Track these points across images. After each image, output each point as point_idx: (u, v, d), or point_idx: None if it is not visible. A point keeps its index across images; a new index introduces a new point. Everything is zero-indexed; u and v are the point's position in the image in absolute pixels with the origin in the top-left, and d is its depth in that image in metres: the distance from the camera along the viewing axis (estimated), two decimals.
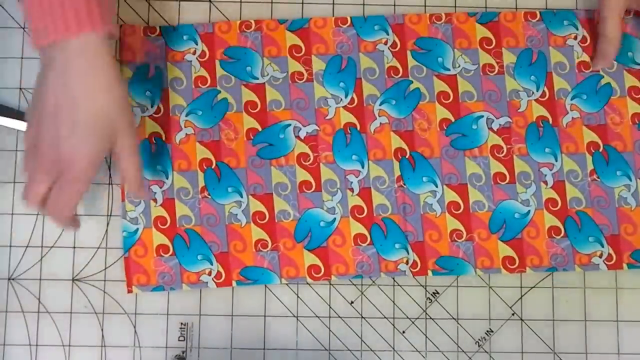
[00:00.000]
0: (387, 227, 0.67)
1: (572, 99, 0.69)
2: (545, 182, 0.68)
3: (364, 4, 0.71)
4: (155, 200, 0.67)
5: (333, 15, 0.71)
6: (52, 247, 0.68)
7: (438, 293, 0.68)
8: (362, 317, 0.67)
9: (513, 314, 0.68)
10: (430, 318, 0.67)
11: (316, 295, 0.68)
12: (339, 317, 0.67)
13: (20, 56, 0.70)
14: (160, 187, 0.67)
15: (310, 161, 0.68)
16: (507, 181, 0.68)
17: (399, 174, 0.68)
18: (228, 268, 0.67)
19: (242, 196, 0.68)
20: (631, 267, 0.67)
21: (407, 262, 0.67)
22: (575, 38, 0.70)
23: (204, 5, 0.71)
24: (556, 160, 0.68)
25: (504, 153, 0.68)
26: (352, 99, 0.69)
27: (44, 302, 0.67)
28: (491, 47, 0.70)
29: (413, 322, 0.67)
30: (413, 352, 0.67)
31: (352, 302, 0.68)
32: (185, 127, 0.68)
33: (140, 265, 0.66)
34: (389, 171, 0.68)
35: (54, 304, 0.67)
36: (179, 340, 0.67)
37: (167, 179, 0.68)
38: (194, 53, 0.69)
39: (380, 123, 0.69)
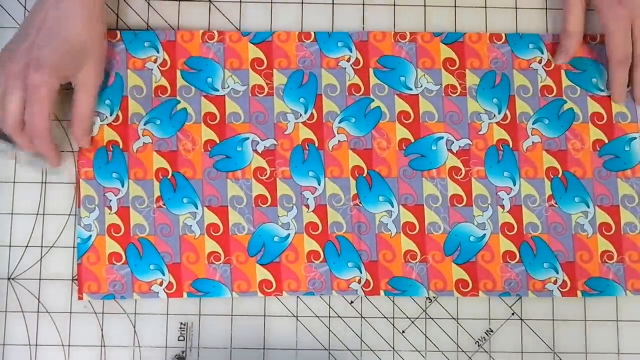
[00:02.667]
0: (341, 245, 0.67)
1: (534, 124, 0.69)
2: (503, 207, 0.68)
3: (363, 4, 0.71)
4: (110, 208, 0.67)
5: (332, 18, 0.71)
6: (52, 247, 0.68)
7: None
8: (362, 317, 0.67)
9: (513, 314, 0.68)
10: (430, 318, 0.67)
11: (316, 295, 0.67)
12: (339, 317, 0.67)
13: None
14: (116, 195, 0.67)
15: (267, 176, 0.68)
16: (464, 204, 0.68)
17: (355, 192, 0.68)
18: (180, 279, 0.67)
19: (197, 208, 0.67)
20: (585, 294, 0.67)
21: (359, 282, 0.67)
22: (540, 62, 0.69)
23: (204, 6, 0.71)
24: (514, 185, 0.68)
25: (462, 175, 0.68)
26: (312, 115, 0.68)
27: (44, 302, 0.67)
28: (455, 68, 0.69)
29: (413, 322, 0.67)
30: (413, 352, 0.67)
31: (352, 302, 0.68)
32: (143, 136, 0.68)
33: (92, 272, 0.66)
34: (346, 189, 0.68)
35: (54, 304, 0.67)
36: (179, 340, 0.67)
37: (122, 187, 0.67)
38: (155, 61, 0.69)
39: (339, 141, 0.68)
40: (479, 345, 0.67)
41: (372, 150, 0.68)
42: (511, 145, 0.68)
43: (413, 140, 0.68)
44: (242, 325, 0.67)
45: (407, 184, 0.68)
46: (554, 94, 0.69)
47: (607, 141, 0.68)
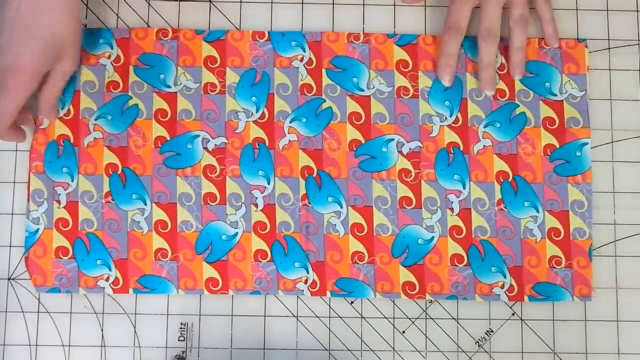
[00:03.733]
0: (288, 245, 0.67)
1: (485, 127, 0.69)
2: (452, 209, 0.68)
3: (363, 4, 0.71)
4: (58, 202, 0.67)
5: (332, 18, 0.71)
6: None
7: None
8: (362, 317, 0.67)
9: (513, 314, 0.67)
10: (431, 318, 0.67)
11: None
12: (339, 317, 0.67)
13: None
14: (65, 189, 0.67)
15: (217, 174, 0.68)
16: (412, 206, 0.68)
17: (304, 192, 0.68)
18: (126, 275, 0.66)
19: (145, 204, 0.67)
20: (532, 299, 0.67)
21: (306, 282, 0.67)
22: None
23: (204, 6, 0.71)
24: (464, 188, 0.68)
25: (412, 177, 0.68)
26: (263, 114, 0.68)
27: (44, 302, 0.67)
28: (407, 69, 0.69)
29: (413, 322, 0.67)
30: (413, 352, 0.67)
31: (352, 302, 0.67)
32: (94, 130, 0.68)
33: (38, 265, 0.66)
34: (295, 189, 0.68)
35: (54, 304, 0.67)
36: (179, 340, 0.67)
37: (72, 181, 0.67)
38: (109, 57, 0.69)
39: (289, 140, 0.68)
40: (479, 345, 0.67)
41: (322, 150, 0.68)
42: (462, 148, 0.68)
43: (363, 141, 0.68)
44: (242, 325, 0.67)
45: (357, 185, 0.68)
46: (506, 98, 0.69)
47: (558, 146, 0.68)
